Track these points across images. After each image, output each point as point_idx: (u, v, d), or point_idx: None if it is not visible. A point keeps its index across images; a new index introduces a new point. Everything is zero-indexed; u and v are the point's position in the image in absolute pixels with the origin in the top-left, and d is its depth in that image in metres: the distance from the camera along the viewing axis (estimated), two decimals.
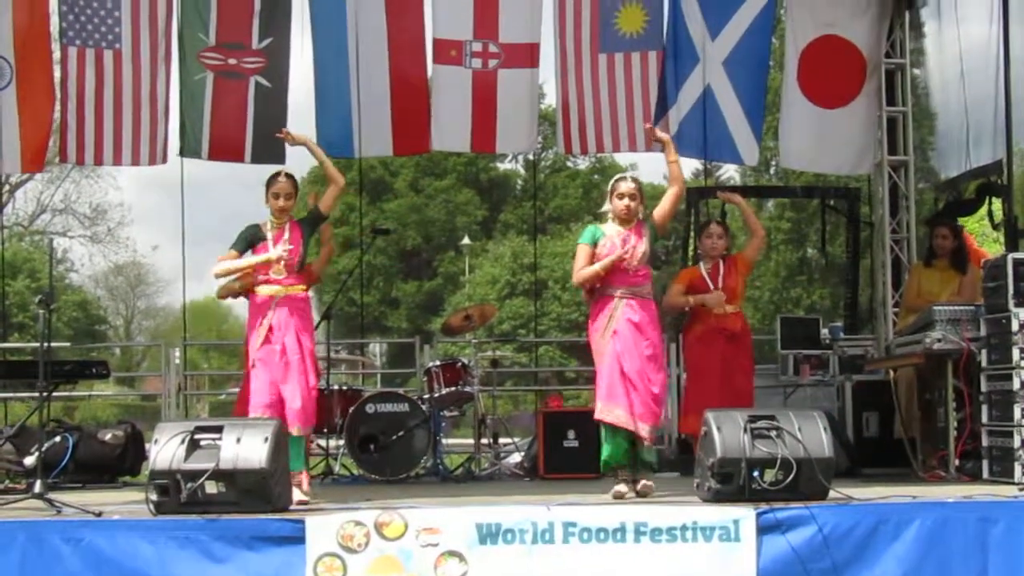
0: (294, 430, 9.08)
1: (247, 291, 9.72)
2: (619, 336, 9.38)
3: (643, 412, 9.29)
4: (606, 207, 9.70)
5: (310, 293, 9.94)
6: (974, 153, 13.97)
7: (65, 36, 13.23)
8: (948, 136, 14.96)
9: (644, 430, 9.30)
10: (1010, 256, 10.23)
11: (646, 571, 7.49)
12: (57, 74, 13.27)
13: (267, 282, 9.32)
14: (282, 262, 9.25)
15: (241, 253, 9.41)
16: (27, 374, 11.55)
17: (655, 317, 9.61)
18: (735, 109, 14.27)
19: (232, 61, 13.42)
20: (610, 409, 9.34)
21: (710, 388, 10.56)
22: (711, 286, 10.74)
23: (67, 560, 7.38)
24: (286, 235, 9.35)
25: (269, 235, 9.37)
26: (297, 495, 8.81)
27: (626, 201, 9.53)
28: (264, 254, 9.30)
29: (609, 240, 9.50)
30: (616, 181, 9.73)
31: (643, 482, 9.28)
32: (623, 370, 9.31)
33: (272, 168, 13.01)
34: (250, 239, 9.40)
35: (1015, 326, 9.85)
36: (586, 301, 9.82)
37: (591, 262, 9.52)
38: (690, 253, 15.41)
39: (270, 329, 9.22)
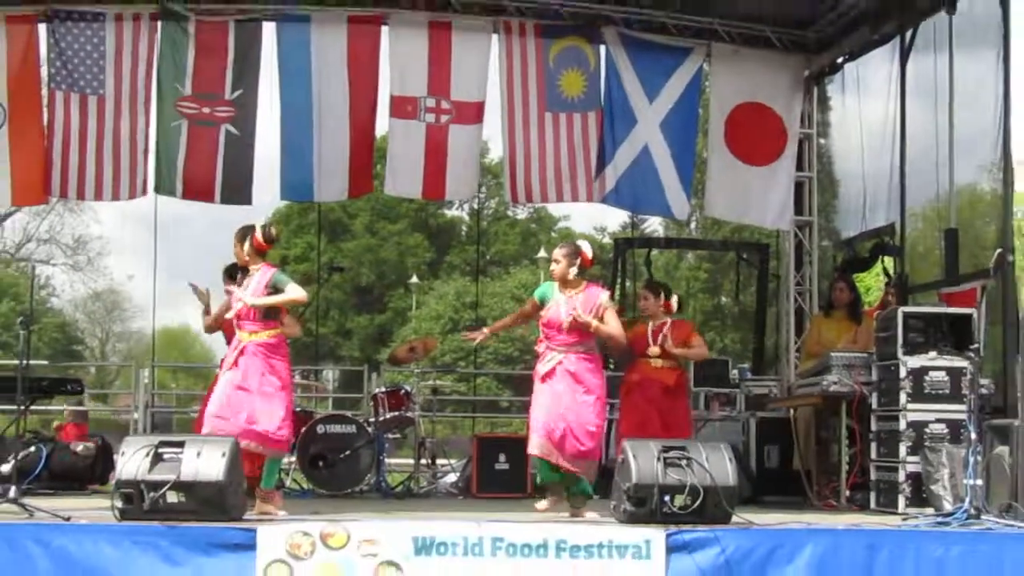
0: (271, 453, 9.11)
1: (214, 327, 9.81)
2: (555, 378, 9.34)
3: (574, 449, 9.23)
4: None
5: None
6: (870, 216, 14.12)
7: (53, 81, 13.14)
8: (848, 200, 15.09)
9: (574, 464, 9.25)
10: (900, 310, 10.37)
11: None
12: (45, 116, 13.16)
13: (239, 327, 9.19)
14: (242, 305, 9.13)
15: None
16: (6, 389, 11.42)
17: (596, 368, 9.50)
18: (669, 167, 14.34)
19: (206, 110, 13.36)
20: (542, 444, 9.29)
21: (647, 431, 10.42)
22: (650, 343, 10.71)
23: (37, 561, 7.26)
24: (251, 284, 9.17)
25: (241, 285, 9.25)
26: (273, 510, 8.87)
27: (552, 265, 9.60)
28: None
29: (555, 303, 9.45)
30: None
31: (588, 514, 9.15)
32: (558, 409, 9.24)
33: (240, 209, 13.27)
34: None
35: (903, 372, 9.98)
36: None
37: (528, 311, 9.72)
38: (616, 298, 15.46)
39: (235, 364, 9.07)
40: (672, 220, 25.63)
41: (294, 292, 9.27)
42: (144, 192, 13.42)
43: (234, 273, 9.66)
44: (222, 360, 9.54)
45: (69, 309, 53.25)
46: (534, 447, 9.39)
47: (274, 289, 9.17)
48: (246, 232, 9.30)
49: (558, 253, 9.56)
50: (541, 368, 9.45)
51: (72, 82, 13.12)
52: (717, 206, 15.00)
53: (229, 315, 9.26)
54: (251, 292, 9.12)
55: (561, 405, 9.26)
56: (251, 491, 8.90)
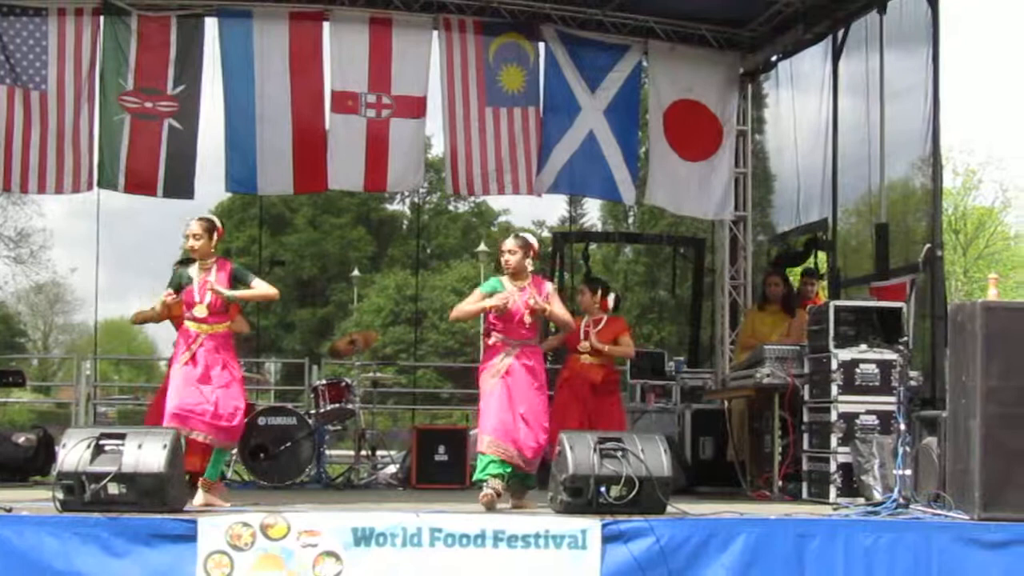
0: (226, 445, 9.13)
1: (160, 320, 9.68)
2: (512, 376, 9.21)
3: (532, 446, 9.14)
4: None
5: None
6: (804, 211, 14.21)
7: None
8: (783, 195, 15.17)
9: (530, 463, 9.19)
10: (832, 304, 10.46)
11: (503, 574, 7.51)
12: None
13: (193, 319, 9.06)
14: (206, 302, 9.02)
15: (175, 293, 9.16)
16: None
17: (542, 363, 9.56)
18: (616, 153, 14.47)
19: (148, 104, 13.29)
20: (499, 444, 9.04)
21: (569, 426, 10.34)
22: (581, 338, 10.64)
23: None
24: (212, 277, 9.07)
25: (195, 278, 9.09)
26: (216, 501, 8.82)
27: (506, 256, 9.45)
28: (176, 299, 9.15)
29: (508, 296, 9.31)
30: (504, 240, 9.68)
31: (528, 504, 9.14)
32: (515, 409, 9.13)
33: (182, 203, 13.22)
34: (179, 284, 9.13)
35: (834, 365, 10.07)
36: (484, 345, 9.65)
37: (485, 305, 9.37)
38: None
39: (193, 358, 8.97)
40: (619, 203, 25.71)
41: (266, 288, 9.41)
42: (89, 187, 13.33)
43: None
44: (172, 357, 9.44)
45: (11, 301, 52.76)
46: (488, 447, 9.07)
47: (236, 282, 9.16)
48: (213, 225, 9.27)
49: (513, 245, 9.47)
50: (496, 364, 9.27)
51: (15, 77, 13.00)
52: (658, 197, 15.04)
53: (199, 312, 9.07)
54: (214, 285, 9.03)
55: (517, 402, 9.15)
56: (194, 484, 8.87)
